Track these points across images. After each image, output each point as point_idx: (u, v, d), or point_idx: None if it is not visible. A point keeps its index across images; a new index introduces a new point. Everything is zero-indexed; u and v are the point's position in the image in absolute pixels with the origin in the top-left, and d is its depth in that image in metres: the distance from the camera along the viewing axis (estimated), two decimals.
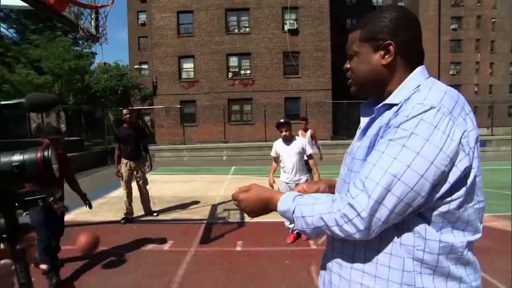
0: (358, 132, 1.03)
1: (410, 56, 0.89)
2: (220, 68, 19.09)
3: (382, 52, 0.89)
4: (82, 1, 3.06)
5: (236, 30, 19.24)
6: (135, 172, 5.16)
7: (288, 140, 3.98)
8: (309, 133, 6.44)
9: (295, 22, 18.78)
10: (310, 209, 0.82)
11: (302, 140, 4.11)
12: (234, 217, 5.32)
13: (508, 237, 4.33)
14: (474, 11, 32.66)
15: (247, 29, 19.12)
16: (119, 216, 5.20)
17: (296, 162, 3.93)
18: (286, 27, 18.72)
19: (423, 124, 0.74)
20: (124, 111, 5.14)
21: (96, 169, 11.85)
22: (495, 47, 33.93)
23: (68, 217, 5.43)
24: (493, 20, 33.55)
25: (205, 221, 5.12)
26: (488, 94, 33.38)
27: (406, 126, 0.76)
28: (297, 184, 3.67)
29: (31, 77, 20.34)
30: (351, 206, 0.76)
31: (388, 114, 0.86)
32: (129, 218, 5.10)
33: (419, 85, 0.84)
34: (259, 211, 0.97)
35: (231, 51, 19.03)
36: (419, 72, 0.88)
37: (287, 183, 3.97)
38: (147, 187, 5.36)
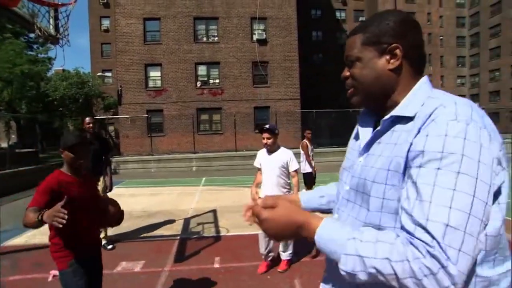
0: (355, 143, 0.95)
1: (417, 61, 0.83)
2: (189, 77, 18.75)
3: (388, 56, 0.81)
4: None
5: (205, 39, 19.08)
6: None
7: (270, 151, 3.39)
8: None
9: (264, 33, 19.05)
10: (371, 248, 0.65)
11: (287, 153, 3.40)
12: (209, 231, 5.06)
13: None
14: (425, 28, 35.45)
15: (216, 38, 19.04)
16: None
17: (275, 178, 3.31)
18: (255, 37, 18.92)
19: (469, 143, 0.65)
20: (87, 119, 4.54)
21: None
22: (444, 62, 37.00)
23: (19, 240, 4.84)
24: (441, 37, 36.67)
25: (178, 237, 4.79)
26: None
27: (452, 149, 0.65)
28: None
29: None
30: (434, 257, 0.61)
31: (402, 129, 0.77)
32: (113, 239, 4.48)
33: (428, 96, 0.78)
34: (288, 236, 0.79)
35: (199, 60, 18.80)
36: (426, 82, 0.83)
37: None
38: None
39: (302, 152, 5.88)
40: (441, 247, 0.60)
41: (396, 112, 0.80)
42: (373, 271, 0.64)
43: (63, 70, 26.02)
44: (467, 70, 38.63)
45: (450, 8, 37.43)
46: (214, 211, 6.16)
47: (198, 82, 18.93)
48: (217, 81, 19.20)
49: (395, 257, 0.63)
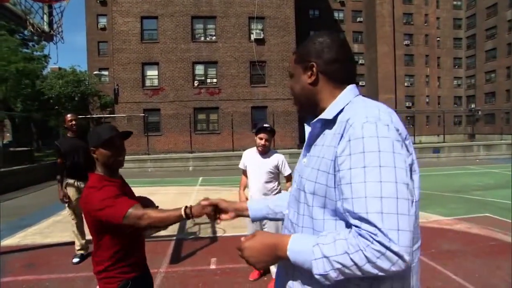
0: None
1: (334, 75, 0.95)
2: (186, 76, 18.66)
3: (309, 72, 0.97)
4: None
5: (203, 38, 19.01)
6: None
7: (263, 153, 3.10)
8: None
9: (262, 32, 19.01)
10: (332, 247, 0.77)
11: (279, 157, 3.16)
12: (206, 232, 5.01)
13: (470, 238, 4.53)
14: (422, 29, 35.62)
15: (214, 37, 18.97)
16: (72, 236, 4.64)
17: (264, 182, 3.05)
18: (253, 37, 18.88)
19: (382, 140, 0.79)
20: (68, 116, 3.95)
21: (49, 182, 10.79)
22: (440, 63, 37.20)
23: (12, 241, 4.76)
24: (438, 38, 36.86)
25: (174, 238, 4.74)
26: (437, 105, 36.34)
27: (370, 148, 0.78)
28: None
29: None
30: (379, 242, 0.73)
31: (328, 132, 0.91)
32: (83, 254, 3.99)
33: (348, 102, 0.91)
34: (267, 260, 0.88)
35: (197, 59, 18.72)
36: (351, 89, 0.95)
37: None
38: None
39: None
40: (382, 232, 0.72)
41: (321, 116, 0.93)
42: (339, 266, 0.75)
43: (59, 68, 25.82)
44: (464, 72, 38.84)
45: (447, 10, 37.60)
46: None
47: (196, 82, 18.85)
48: (215, 80, 19.13)
49: (351, 249, 0.74)
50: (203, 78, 19.09)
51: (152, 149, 17.24)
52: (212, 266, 3.67)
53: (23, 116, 21.73)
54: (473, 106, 36.71)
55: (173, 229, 5.18)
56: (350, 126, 0.83)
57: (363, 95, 0.96)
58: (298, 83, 1.00)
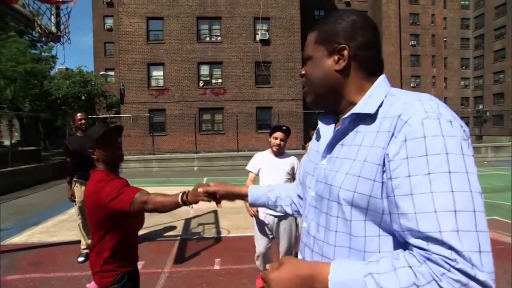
0: (317, 145, 0.91)
1: (366, 63, 0.80)
2: (191, 76, 18.74)
3: (336, 57, 0.80)
4: None
5: (208, 39, 19.07)
6: None
7: (278, 154, 2.91)
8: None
9: (267, 33, 19.01)
10: (393, 278, 0.60)
11: (293, 157, 3.00)
12: (210, 232, 5.02)
13: None
14: (429, 30, 35.29)
15: (219, 38, 19.02)
16: (78, 235, 4.68)
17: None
18: (258, 37, 18.88)
19: (448, 140, 0.64)
20: (78, 114, 3.96)
21: (55, 181, 10.91)
22: (447, 63, 36.82)
23: (19, 239, 4.82)
24: (445, 39, 36.48)
25: (178, 238, 4.76)
26: None
27: (435, 149, 0.63)
28: (280, 219, 2.84)
29: None
30: (459, 270, 0.57)
31: (366, 129, 0.75)
32: (89, 253, 4.15)
33: (386, 95, 0.76)
34: None
35: (202, 60, 18.79)
36: (384, 80, 0.81)
37: (269, 214, 2.83)
38: None
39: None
40: (462, 256, 0.57)
41: (355, 109, 0.77)
42: None
43: (66, 69, 26.12)
44: (471, 72, 38.39)
45: (454, 10, 37.21)
46: (215, 212, 6.12)
47: (201, 82, 18.92)
48: (220, 81, 19.18)
49: (421, 280, 0.58)
50: (208, 78, 19.15)
51: (157, 149, 17.33)
52: (216, 267, 3.67)
53: (31, 116, 22.04)
54: (481, 107, 36.25)
55: (177, 229, 5.20)
56: (405, 123, 0.67)
57: None
58: (319, 68, 0.83)
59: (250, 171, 3.00)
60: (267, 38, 18.93)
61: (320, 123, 0.91)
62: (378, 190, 0.70)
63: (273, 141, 2.84)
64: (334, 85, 0.82)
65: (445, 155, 0.62)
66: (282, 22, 19.16)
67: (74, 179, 3.94)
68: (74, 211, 4.40)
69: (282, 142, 2.83)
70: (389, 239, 0.71)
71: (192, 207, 1.47)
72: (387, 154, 0.68)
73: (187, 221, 5.66)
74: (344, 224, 0.75)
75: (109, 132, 1.60)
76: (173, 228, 5.27)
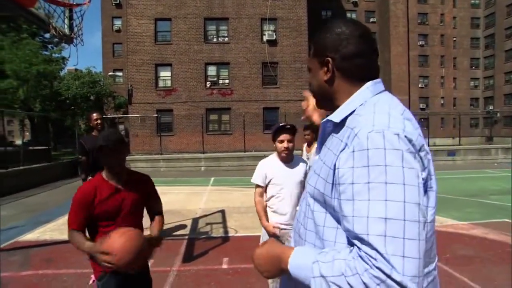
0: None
1: (353, 71, 0.85)
2: (198, 77, 18.85)
3: (325, 68, 0.87)
4: None
5: (215, 40, 19.16)
6: None
7: (287, 161, 2.42)
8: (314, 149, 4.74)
9: (274, 33, 19.02)
10: (330, 267, 0.70)
11: (304, 161, 2.57)
12: (218, 231, 5.06)
13: (487, 244, 4.41)
14: (438, 30, 34.82)
15: (226, 38, 19.10)
16: None
17: (297, 196, 2.37)
18: (265, 38, 18.90)
19: (389, 152, 0.70)
20: (94, 115, 4.06)
21: (65, 180, 11.09)
22: (457, 63, 36.29)
23: (32, 236, 4.93)
24: (454, 39, 35.97)
25: (186, 237, 4.81)
26: (453, 107, 35.47)
27: (375, 161, 0.70)
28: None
29: None
30: (379, 268, 0.65)
31: (336, 136, 0.83)
32: None
33: (361, 104, 0.82)
34: (273, 271, 0.84)
35: (209, 60, 18.88)
36: (368, 88, 0.84)
37: (283, 229, 2.37)
38: None
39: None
40: (384, 258, 0.64)
41: (330, 116, 0.86)
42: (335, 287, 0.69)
43: (76, 70, 26.50)
44: (481, 72, 37.80)
45: (464, 9, 36.70)
46: (222, 212, 6.16)
47: (208, 82, 19.01)
48: (227, 81, 19.25)
49: (348, 272, 0.67)
50: (215, 79, 19.24)
51: (165, 149, 17.47)
52: (224, 266, 3.70)
53: (42, 116, 22.41)
54: (491, 108, 35.65)
55: (185, 229, 5.25)
56: (355, 136, 0.74)
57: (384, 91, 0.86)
58: (315, 79, 0.91)
59: (257, 185, 2.45)
60: (274, 38, 18.94)
61: (321, 124, 0.97)
62: (329, 189, 0.79)
63: (279, 145, 2.36)
64: (325, 94, 0.90)
65: (384, 167, 0.69)
66: (289, 22, 19.15)
67: (89, 178, 4.03)
68: None
69: (290, 145, 2.36)
70: (344, 233, 0.78)
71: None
72: (338, 162, 0.76)
73: (195, 221, 5.71)
74: (311, 213, 0.87)
75: (105, 145, 1.66)
76: (181, 227, 5.32)
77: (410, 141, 0.72)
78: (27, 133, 21.87)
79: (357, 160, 0.71)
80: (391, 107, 0.79)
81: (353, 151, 0.73)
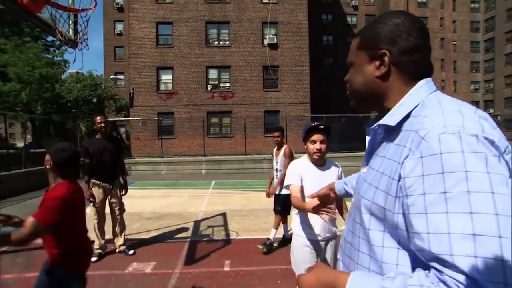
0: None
1: (410, 68, 0.76)
2: (199, 80, 18.93)
3: (377, 62, 0.78)
4: (60, 2, 2.83)
5: (216, 43, 19.27)
6: (109, 196, 4.20)
7: (319, 164, 2.23)
8: (283, 150, 4.38)
9: (275, 37, 19.12)
10: None
11: (336, 165, 2.33)
12: (219, 234, 5.07)
13: None
14: (438, 33, 34.97)
15: (227, 42, 19.20)
16: (92, 235, 4.78)
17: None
18: (266, 42, 19.01)
19: (469, 156, 0.58)
20: (98, 118, 4.05)
21: None
22: (457, 67, 36.41)
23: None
24: (454, 42, 36.11)
25: (188, 240, 4.82)
26: None
27: (451, 167, 0.58)
28: (327, 242, 2.22)
29: None
30: None
31: (392, 141, 0.73)
32: (102, 253, 4.15)
33: (417, 104, 0.72)
34: None
35: (210, 64, 18.98)
36: (422, 86, 0.75)
37: (313, 240, 2.20)
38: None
39: (285, 161, 4.27)
40: (478, 284, 0.53)
41: (382, 120, 0.76)
42: None
43: (77, 73, 26.64)
44: (481, 76, 37.89)
45: (464, 13, 36.87)
46: (223, 215, 6.18)
47: (209, 86, 19.09)
48: (228, 84, 19.33)
49: None
50: (216, 82, 19.32)
51: (166, 152, 17.50)
52: (226, 268, 3.72)
53: (43, 119, 22.49)
54: (491, 111, 35.68)
55: (187, 231, 5.27)
56: (422, 139, 0.64)
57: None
58: (361, 75, 0.81)
59: (292, 184, 2.21)
60: (275, 42, 19.04)
61: (366, 130, 0.86)
62: (391, 203, 0.68)
63: (310, 146, 2.17)
64: (374, 91, 0.79)
65: (464, 173, 0.57)
66: (290, 26, 19.26)
67: (92, 180, 4.08)
68: (89, 211, 4.51)
69: (322, 146, 2.16)
70: (408, 253, 0.69)
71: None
72: (403, 170, 0.66)
73: (197, 223, 5.72)
74: (364, 232, 0.77)
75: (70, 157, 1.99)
76: (183, 230, 5.34)
77: (492, 142, 0.60)
78: (29, 136, 21.92)
79: (428, 167, 0.61)
80: (461, 105, 0.68)
81: (421, 157, 0.62)
